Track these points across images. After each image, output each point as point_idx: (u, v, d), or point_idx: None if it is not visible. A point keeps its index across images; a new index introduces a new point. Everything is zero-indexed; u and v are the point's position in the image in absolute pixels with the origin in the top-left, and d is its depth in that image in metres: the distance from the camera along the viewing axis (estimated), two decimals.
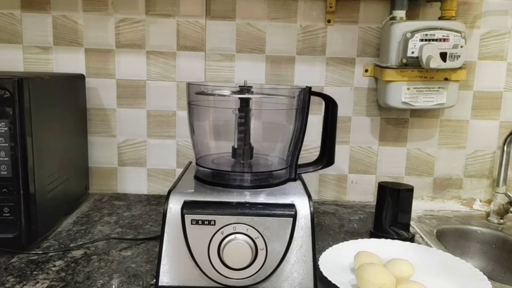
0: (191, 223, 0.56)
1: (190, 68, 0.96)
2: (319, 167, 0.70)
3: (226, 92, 0.69)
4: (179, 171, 0.99)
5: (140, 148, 0.99)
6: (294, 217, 0.56)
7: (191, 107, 0.71)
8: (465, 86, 0.96)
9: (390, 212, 0.77)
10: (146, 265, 0.66)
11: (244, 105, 0.65)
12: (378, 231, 0.78)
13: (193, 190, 0.61)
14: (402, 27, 0.85)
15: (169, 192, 0.59)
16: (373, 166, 1.00)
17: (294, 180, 0.67)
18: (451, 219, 0.92)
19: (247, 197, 0.59)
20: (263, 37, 0.95)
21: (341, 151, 0.98)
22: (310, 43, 0.95)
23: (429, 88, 0.88)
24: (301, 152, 0.69)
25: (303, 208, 0.57)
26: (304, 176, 0.70)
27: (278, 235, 0.56)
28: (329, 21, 0.94)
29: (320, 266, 0.60)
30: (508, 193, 0.91)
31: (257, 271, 0.56)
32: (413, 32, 0.84)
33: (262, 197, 0.59)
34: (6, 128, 0.65)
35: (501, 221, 0.91)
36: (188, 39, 0.95)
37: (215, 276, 0.56)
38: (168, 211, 0.57)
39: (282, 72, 0.96)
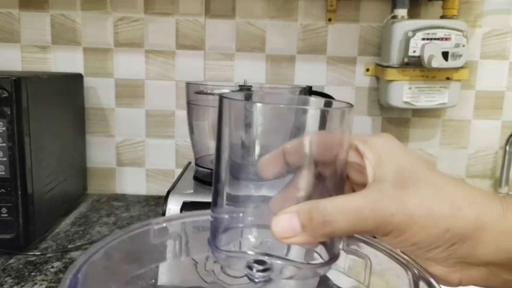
0: (193, 232, 0.55)
1: (189, 67, 0.95)
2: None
3: (226, 91, 0.68)
4: (178, 171, 0.98)
5: (138, 148, 0.98)
6: None
7: (190, 106, 0.70)
8: (467, 86, 0.95)
9: None
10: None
11: None
12: None
13: (192, 191, 0.61)
14: (403, 26, 0.85)
15: (168, 192, 0.58)
16: None
17: None
18: None
19: None
20: (263, 35, 0.94)
21: None
22: (310, 42, 0.94)
23: (431, 87, 0.87)
24: None
25: None
26: None
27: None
28: (329, 19, 0.93)
29: None
30: (510, 193, 0.91)
31: None
32: (415, 31, 0.84)
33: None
34: (4, 128, 0.64)
35: None
36: (188, 38, 0.94)
37: (215, 276, 0.56)
38: (167, 212, 0.56)
39: (282, 71, 0.96)
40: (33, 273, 0.62)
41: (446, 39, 0.84)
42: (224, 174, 0.29)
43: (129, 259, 0.34)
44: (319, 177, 0.28)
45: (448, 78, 0.87)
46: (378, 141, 0.29)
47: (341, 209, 0.25)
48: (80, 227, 0.80)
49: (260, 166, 0.27)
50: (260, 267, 0.28)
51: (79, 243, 0.73)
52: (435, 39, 0.84)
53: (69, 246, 0.72)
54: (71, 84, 0.90)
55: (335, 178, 0.28)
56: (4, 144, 0.65)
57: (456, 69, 0.86)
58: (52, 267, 0.64)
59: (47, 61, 0.94)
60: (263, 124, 0.27)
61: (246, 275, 0.28)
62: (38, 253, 0.69)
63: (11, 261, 0.66)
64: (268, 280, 0.28)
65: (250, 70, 0.95)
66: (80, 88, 0.93)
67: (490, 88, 0.96)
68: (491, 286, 0.28)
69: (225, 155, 0.29)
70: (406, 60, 0.85)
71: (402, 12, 0.88)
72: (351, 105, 0.28)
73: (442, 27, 0.84)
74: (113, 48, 0.94)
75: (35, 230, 0.70)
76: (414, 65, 0.85)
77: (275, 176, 0.28)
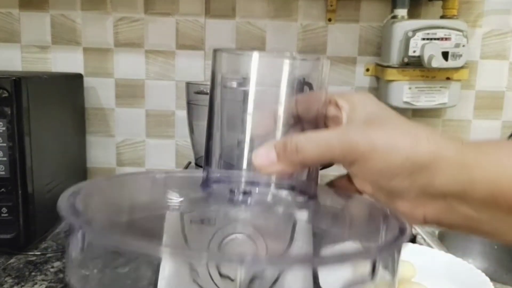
0: (191, 222, 0.55)
1: (189, 67, 0.95)
2: (320, 167, 0.70)
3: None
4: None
5: (138, 148, 0.98)
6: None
7: (190, 106, 0.70)
8: (467, 86, 0.95)
9: None
10: None
11: None
12: None
13: None
14: (403, 26, 0.85)
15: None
16: None
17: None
18: None
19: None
20: (263, 35, 0.94)
21: None
22: (310, 42, 0.94)
23: (431, 87, 0.87)
24: None
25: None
26: None
27: (278, 235, 0.55)
28: (329, 19, 0.93)
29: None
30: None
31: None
32: (415, 31, 0.84)
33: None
34: (4, 128, 0.64)
35: None
36: (188, 38, 0.94)
37: (215, 277, 0.56)
38: (167, 212, 0.56)
39: None
40: (33, 273, 0.62)
41: (446, 39, 0.84)
42: (218, 132, 0.32)
43: (124, 200, 0.36)
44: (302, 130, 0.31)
45: (448, 78, 0.87)
46: (356, 95, 0.32)
47: (312, 139, 0.28)
48: None
49: (253, 124, 0.30)
50: (241, 191, 0.31)
51: None
52: (435, 39, 0.84)
53: None
54: (71, 84, 0.90)
55: (315, 126, 0.32)
56: (4, 144, 0.65)
57: (456, 69, 0.86)
58: (52, 267, 0.64)
59: (47, 61, 0.94)
60: (256, 76, 0.30)
61: (228, 198, 0.32)
62: (38, 253, 0.69)
63: (11, 261, 0.66)
64: (247, 202, 0.32)
65: None
66: (80, 88, 0.93)
67: (490, 88, 0.96)
68: (452, 221, 0.30)
69: (217, 112, 0.32)
70: (406, 60, 0.85)
71: (402, 12, 0.88)
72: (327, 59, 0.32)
73: (442, 27, 0.84)
74: (113, 48, 0.94)
75: (35, 230, 0.70)
76: (414, 65, 0.85)
77: (266, 133, 0.31)
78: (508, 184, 0.26)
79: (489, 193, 0.27)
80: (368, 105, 0.31)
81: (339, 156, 0.28)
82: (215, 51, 0.32)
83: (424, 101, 0.88)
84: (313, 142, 0.28)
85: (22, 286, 0.59)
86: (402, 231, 0.26)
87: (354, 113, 0.31)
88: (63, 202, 0.27)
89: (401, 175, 0.28)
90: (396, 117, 0.30)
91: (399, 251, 0.25)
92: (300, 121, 0.31)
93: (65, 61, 0.94)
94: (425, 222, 0.30)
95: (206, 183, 0.34)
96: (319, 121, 0.32)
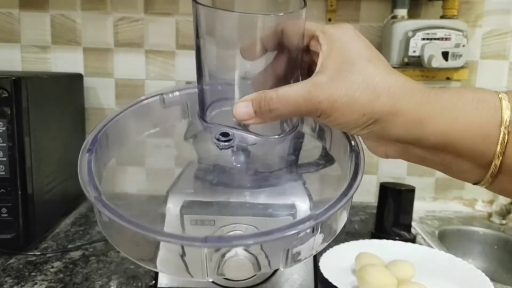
0: (190, 224, 0.55)
1: (189, 67, 0.95)
2: (320, 167, 0.70)
3: None
4: (179, 171, 0.98)
5: (138, 147, 0.98)
6: (294, 217, 0.56)
7: None
8: (467, 86, 0.95)
9: (391, 213, 0.76)
10: (144, 266, 0.65)
11: None
12: (379, 232, 0.77)
13: (192, 190, 0.61)
14: (403, 26, 0.85)
15: (168, 192, 0.58)
16: (374, 167, 0.99)
17: (295, 180, 0.66)
18: (453, 220, 0.92)
19: (247, 197, 0.58)
20: None
21: None
22: None
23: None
24: (302, 152, 0.68)
25: (304, 209, 0.57)
26: (304, 176, 0.69)
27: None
28: (330, 19, 0.93)
29: (320, 268, 0.59)
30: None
31: (257, 272, 0.56)
32: (415, 31, 0.84)
33: (262, 197, 0.58)
34: (4, 128, 0.64)
35: (503, 221, 0.90)
36: (188, 38, 0.94)
37: (215, 277, 0.56)
38: (167, 212, 0.56)
39: None
40: (33, 273, 0.62)
41: (446, 39, 0.84)
42: (207, 61, 0.38)
43: (142, 122, 0.44)
44: (287, 59, 0.35)
45: (448, 78, 0.87)
46: (336, 33, 0.34)
47: (282, 99, 0.32)
48: (80, 227, 0.80)
49: (242, 49, 0.35)
50: (225, 138, 0.38)
51: (79, 243, 0.73)
52: (435, 39, 0.84)
53: (69, 246, 0.72)
54: (71, 84, 0.90)
55: (295, 61, 0.36)
56: (4, 144, 0.65)
57: (456, 69, 0.86)
58: (52, 267, 0.64)
59: (47, 61, 0.94)
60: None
61: (215, 143, 0.38)
62: (38, 253, 0.69)
63: (11, 261, 0.66)
64: (231, 147, 0.38)
65: None
66: (80, 88, 0.93)
67: (490, 88, 0.96)
68: (410, 160, 0.34)
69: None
70: (406, 60, 0.85)
71: (402, 12, 0.88)
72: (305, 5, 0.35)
73: (442, 27, 0.84)
74: (113, 48, 0.94)
75: (35, 230, 0.70)
76: (414, 65, 0.85)
77: (254, 58, 0.35)
78: (455, 136, 0.31)
79: (439, 142, 0.31)
80: (344, 48, 0.33)
81: (306, 112, 0.32)
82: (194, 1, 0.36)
83: None
84: (283, 103, 0.32)
85: (22, 286, 0.59)
86: (356, 172, 0.33)
87: (328, 59, 0.33)
88: (82, 173, 0.34)
89: (358, 127, 0.32)
90: (366, 64, 0.32)
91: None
92: (283, 48, 0.35)
93: (65, 61, 0.94)
94: (387, 157, 0.35)
95: (202, 110, 0.40)
96: (298, 55, 0.36)
